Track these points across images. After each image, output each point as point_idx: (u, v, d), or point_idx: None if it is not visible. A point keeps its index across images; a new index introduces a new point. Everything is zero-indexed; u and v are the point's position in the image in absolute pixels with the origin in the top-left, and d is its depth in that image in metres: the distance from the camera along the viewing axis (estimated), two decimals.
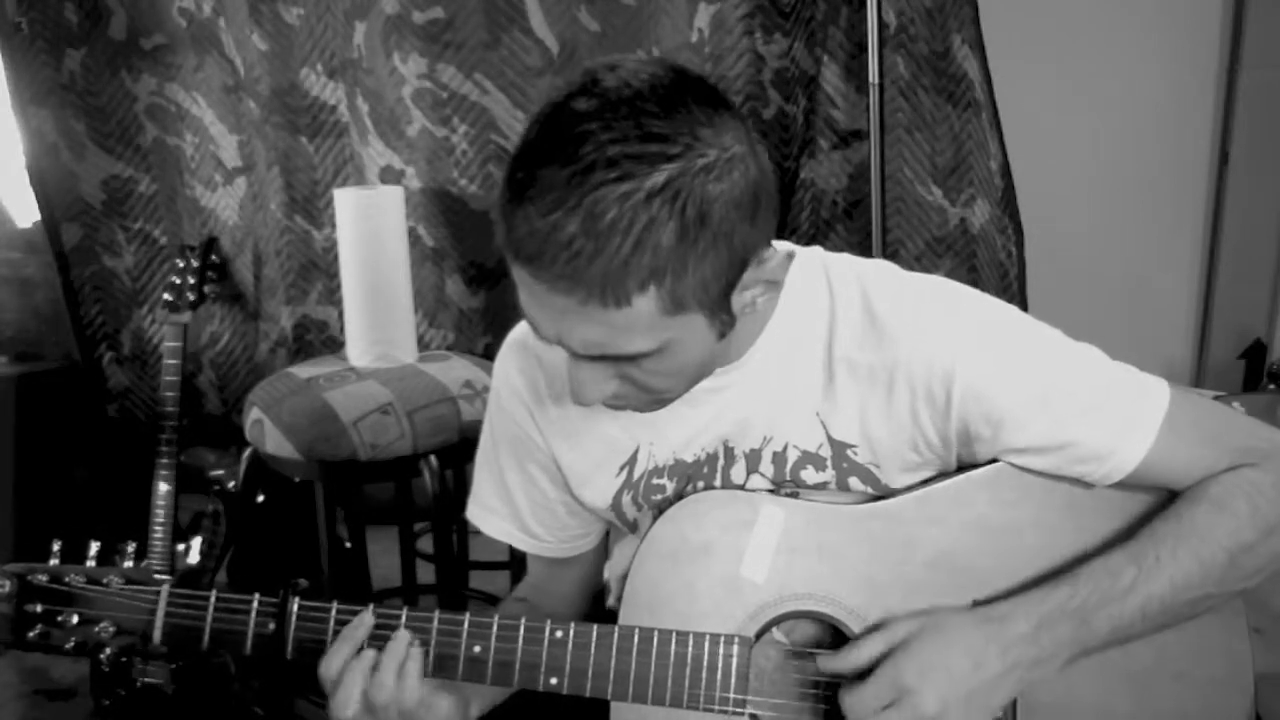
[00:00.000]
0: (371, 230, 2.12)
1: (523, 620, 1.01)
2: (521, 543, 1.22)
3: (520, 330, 1.17)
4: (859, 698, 0.95)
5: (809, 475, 1.06)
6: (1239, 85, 2.73)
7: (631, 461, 1.12)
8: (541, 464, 1.17)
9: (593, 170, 0.82)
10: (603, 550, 1.27)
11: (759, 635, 1.04)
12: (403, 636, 1.00)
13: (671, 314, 0.88)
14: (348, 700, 0.98)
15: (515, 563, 2.16)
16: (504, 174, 0.88)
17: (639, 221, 0.82)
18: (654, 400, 0.99)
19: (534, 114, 0.88)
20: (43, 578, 1.02)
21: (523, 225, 0.84)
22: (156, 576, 1.03)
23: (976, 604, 1.02)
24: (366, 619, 1.01)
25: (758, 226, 0.89)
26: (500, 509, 1.21)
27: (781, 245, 0.98)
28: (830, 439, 1.05)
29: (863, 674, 0.97)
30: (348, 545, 2.45)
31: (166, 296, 2.27)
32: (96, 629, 1.01)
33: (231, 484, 2.25)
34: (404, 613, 1.01)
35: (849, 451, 1.05)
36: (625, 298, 0.85)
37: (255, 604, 1.01)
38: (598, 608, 1.29)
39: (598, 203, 0.82)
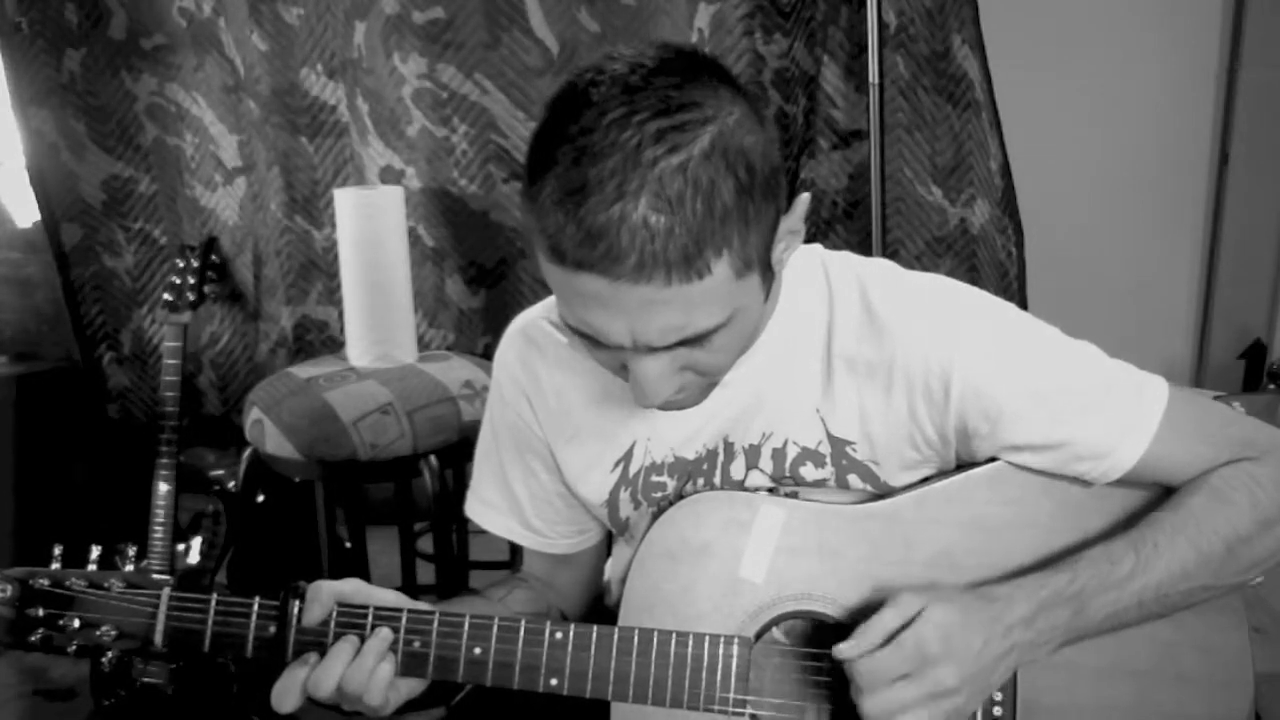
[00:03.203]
0: (371, 230, 2.12)
1: (523, 621, 1.01)
2: (522, 538, 1.22)
3: (522, 320, 1.17)
4: (876, 665, 0.92)
5: (808, 472, 1.07)
6: (1239, 85, 2.73)
7: (627, 457, 1.12)
8: (540, 456, 1.17)
9: (641, 150, 0.81)
10: (604, 550, 1.27)
11: (759, 635, 1.04)
12: (384, 635, 1.00)
13: (742, 275, 0.88)
14: (326, 680, 0.98)
15: (515, 563, 2.17)
16: (534, 195, 0.85)
17: (702, 185, 0.82)
18: (709, 386, 0.99)
19: (541, 126, 0.87)
20: (44, 582, 1.02)
21: (584, 229, 0.82)
22: (157, 578, 1.03)
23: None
24: (384, 633, 1.00)
25: (781, 177, 0.90)
26: (500, 504, 1.21)
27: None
28: (829, 436, 1.05)
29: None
30: (348, 545, 2.45)
31: (166, 296, 2.27)
32: (98, 633, 1.01)
33: (231, 484, 2.25)
34: (404, 613, 1.01)
35: (848, 448, 1.05)
36: (706, 266, 0.84)
37: (255, 607, 1.01)
38: (597, 608, 1.29)
39: (660, 177, 0.81)
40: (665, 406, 0.98)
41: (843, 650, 0.93)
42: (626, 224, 0.81)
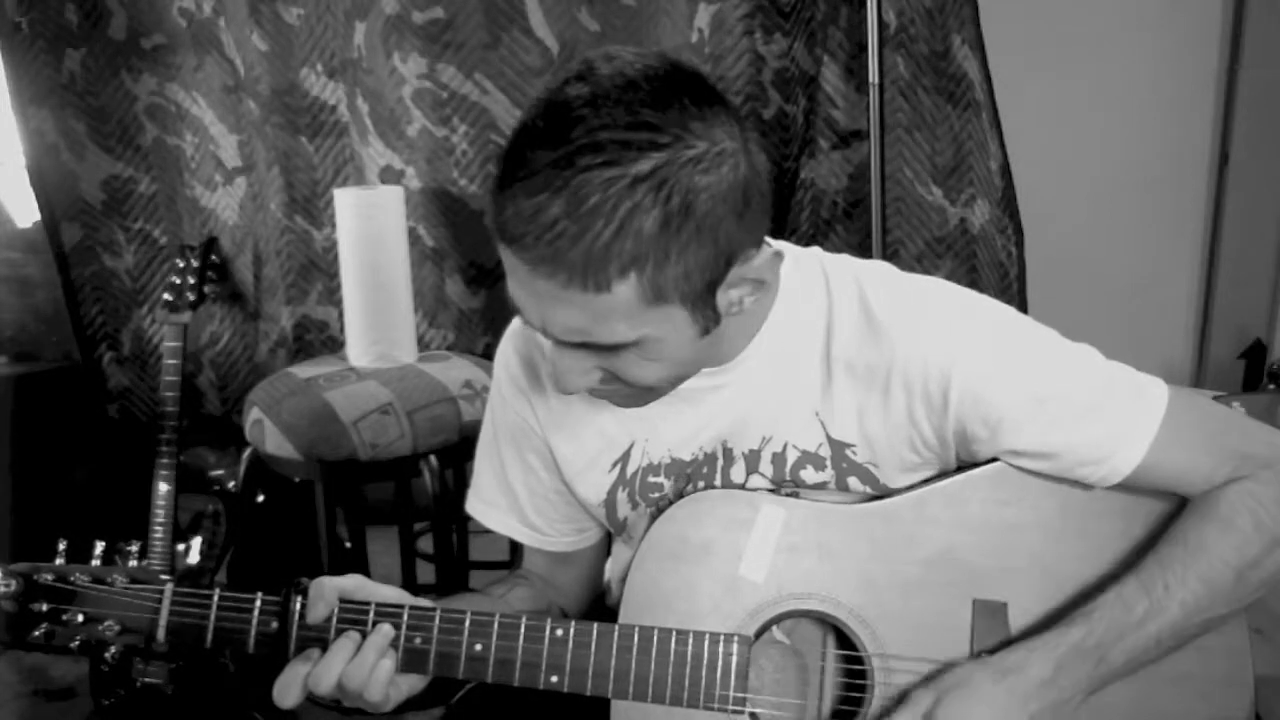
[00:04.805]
0: (371, 230, 2.12)
1: (524, 619, 1.01)
2: (522, 536, 1.22)
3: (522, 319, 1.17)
4: None
5: (808, 475, 1.07)
6: (1239, 85, 2.73)
7: (625, 458, 1.12)
8: (540, 453, 1.17)
9: (580, 154, 0.83)
10: (604, 549, 1.27)
11: (759, 634, 1.04)
12: (385, 631, 1.00)
13: (652, 304, 0.88)
14: (327, 675, 0.98)
15: (515, 562, 2.16)
16: (497, 169, 0.88)
17: (622, 206, 0.83)
18: (639, 394, 0.99)
19: (527, 111, 0.89)
20: (48, 577, 1.02)
21: (509, 207, 0.85)
22: (159, 576, 1.03)
23: (975, 603, 1.02)
24: (385, 630, 1.00)
25: (745, 224, 0.90)
26: (501, 502, 1.21)
27: (774, 244, 0.98)
28: (829, 439, 1.05)
29: None
30: (348, 545, 2.45)
31: (166, 296, 2.27)
32: (101, 628, 1.01)
33: (231, 484, 2.25)
34: (406, 609, 1.01)
35: (848, 451, 1.05)
36: (606, 283, 0.85)
37: (258, 603, 1.02)
38: (597, 606, 1.29)
39: (582, 186, 0.82)
40: (595, 395, 1.00)
41: None
42: (538, 218, 0.83)
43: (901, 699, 1.00)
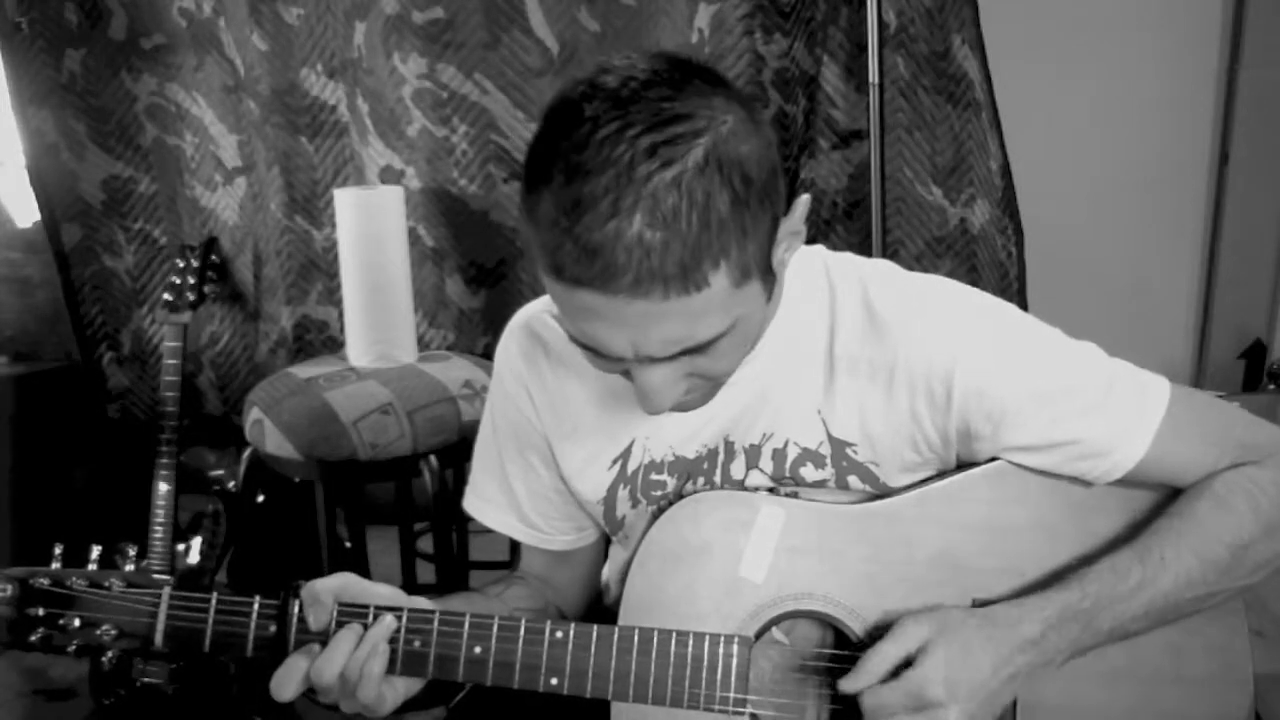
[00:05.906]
0: (371, 230, 2.12)
1: (523, 621, 1.01)
2: (520, 534, 1.22)
3: (525, 314, 1.17)
4: (882, 701, 0.95)
5: (808, 473, 1.07)
6: (1239, 85, 2.73)
7: (625, 455, 1.12)
8: (539, 451, 1.17)
9: (634, 165, 0.81)
10: (603, 548, 1.27)
11: (759, 635, 1.04)
12: (389, 623, 1.00)
13: (740, 285, 0.88)
14: (329, 667, 0.98)
15: (514, 562, 2.16)
16: (531, 210, 0.86)
17: (697, 199, 0.82)
18: (714, 388, 0.99)
19: (536, 140, 0.87)
20: (44, 581, 1.02)
21: (580, 246, 0.82)
22: (157, 578, 1.03)
23: (976, 603, 1.02)
24: (389, 620, 1.00)
25: (779, 180, 0.90)
26: (498, 499, 1.21)
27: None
28: (830, 436, 1.05)
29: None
30: (348, 545, 2.45)
31: (166, 296, 2.27)
32: (98, 632, 1.01)
33: (231, 484, 2.25)
34: (405, 611, 1.01)
35: (848, 449, 1.05)
36: (704, 279, 0.84)
37: (256, 606, 1.01)
38: (595, 607, 1.29)
39: (655, 193, 0.81)
40: (676, 409, 0.99)
41: (846, 684, 0.96)
42: (622, 241, 0.81)
43: (885, 629, 0.99)
